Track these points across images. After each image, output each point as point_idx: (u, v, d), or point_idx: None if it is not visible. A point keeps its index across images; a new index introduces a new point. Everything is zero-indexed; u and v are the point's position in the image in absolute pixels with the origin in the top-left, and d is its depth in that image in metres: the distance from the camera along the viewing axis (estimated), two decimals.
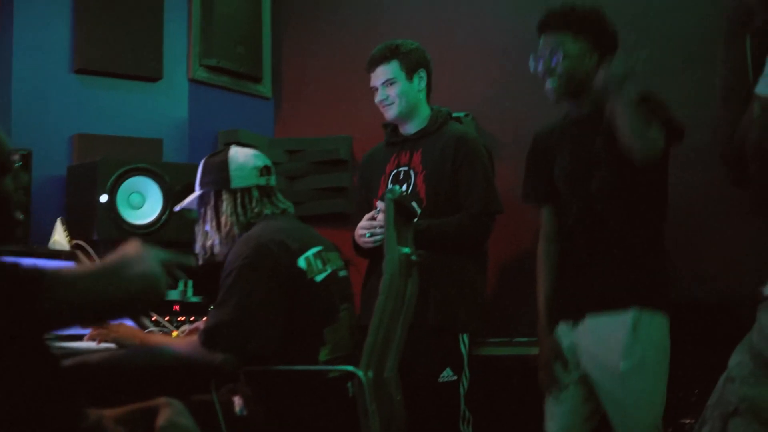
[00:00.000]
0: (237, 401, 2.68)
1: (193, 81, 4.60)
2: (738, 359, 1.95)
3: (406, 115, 3.58)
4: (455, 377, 3.36)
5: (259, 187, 2.93)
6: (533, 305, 4.20)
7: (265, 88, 4.94)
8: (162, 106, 4.45)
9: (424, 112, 3.60)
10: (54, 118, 4.13)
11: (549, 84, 2.99)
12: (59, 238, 3.63)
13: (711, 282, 3.86)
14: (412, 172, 3.53)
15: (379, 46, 3.61)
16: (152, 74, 4.40)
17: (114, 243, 3.64)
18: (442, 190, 3.46)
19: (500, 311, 4.06)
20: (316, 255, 2.86)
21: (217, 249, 2.91)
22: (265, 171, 2.96)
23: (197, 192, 2.96)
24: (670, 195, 4.14)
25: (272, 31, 4.98)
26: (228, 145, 3.08)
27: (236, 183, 2.90)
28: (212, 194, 2.92)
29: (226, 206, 2.89)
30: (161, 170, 3.81)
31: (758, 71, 1.93)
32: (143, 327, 3.11)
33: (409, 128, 3.61)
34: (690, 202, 4.05)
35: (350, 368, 2.64)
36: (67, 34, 4.24)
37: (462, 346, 3.39)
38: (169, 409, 2.22)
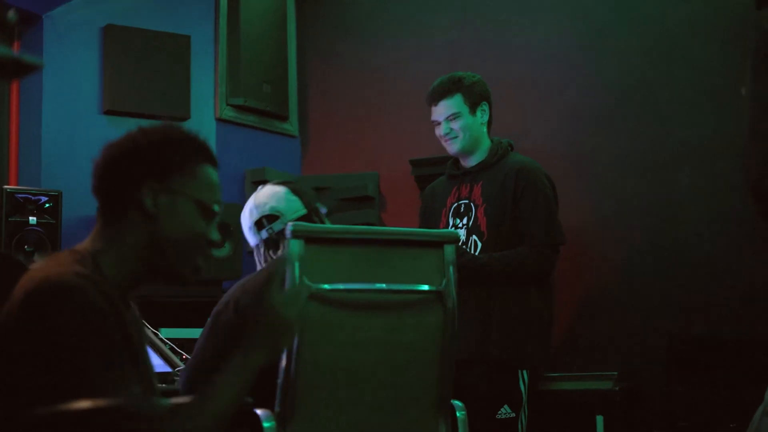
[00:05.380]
0: None
1: (220, 120, 4.63)
2: None
3: (469, 148, 3.50)
4: (513, 414, 3.25)
5: None
6: (596, 338, 4.08)
7: (292, 126, 4.96)
8: None
9: (485, 145, 3.52)
10: (83, 159, 4.09)
11: None
12: None
13: (744, 317, 3.82)
14: (472, 205, 3.46)
15: (441, 79, 3.51)
16: (180, 114, 4.43)
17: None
18: (504, 223, 3.36)
19: (561, 345, 4.01)
20: None
21: None
22: None
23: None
24: (701, 229, 4.11)
25: (298, 70, 5.02)
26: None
27: None
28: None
29: None
30: None
31: None
32: None
33: (470, 161, 3.53)
34: (718, 237, 4.01)
35: None
36: (96, 76, 4.29)
37: (521, 383, 3.28)
38: None
